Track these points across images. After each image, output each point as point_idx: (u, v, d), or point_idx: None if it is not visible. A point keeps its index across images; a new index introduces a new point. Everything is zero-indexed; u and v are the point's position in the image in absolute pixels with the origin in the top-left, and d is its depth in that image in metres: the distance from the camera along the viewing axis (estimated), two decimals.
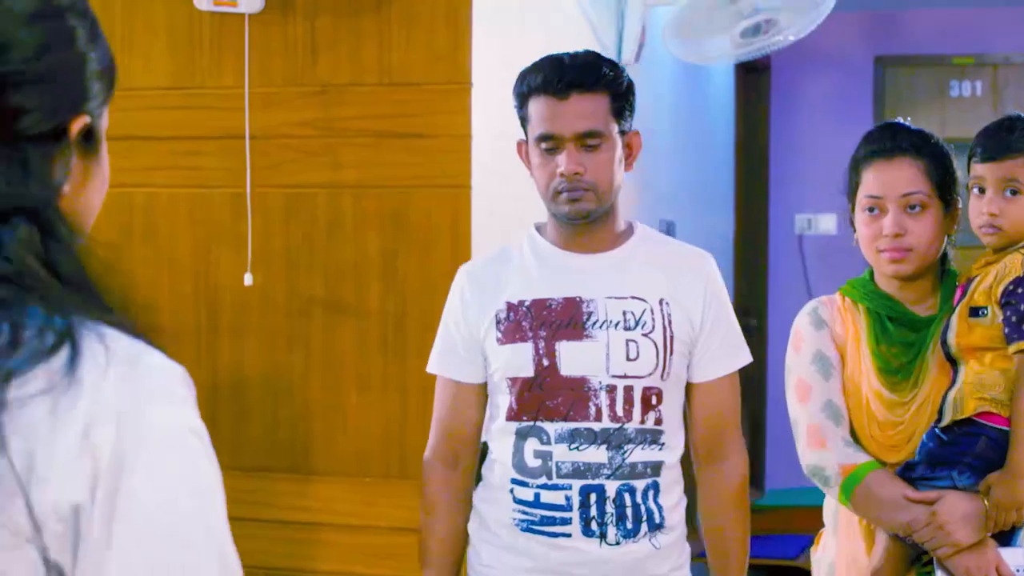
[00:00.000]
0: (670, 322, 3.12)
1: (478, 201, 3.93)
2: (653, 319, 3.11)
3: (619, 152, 3.12)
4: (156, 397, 1.31)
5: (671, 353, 3.11)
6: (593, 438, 3.07)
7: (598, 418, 3.07)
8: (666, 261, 3.20)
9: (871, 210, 3.09)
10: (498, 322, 3.15)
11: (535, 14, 4.49)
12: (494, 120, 4.01)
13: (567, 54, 3.13)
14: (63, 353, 1.27)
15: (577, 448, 3.07)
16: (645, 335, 3.10)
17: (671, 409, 3.15)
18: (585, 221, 3.12)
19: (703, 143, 7.32)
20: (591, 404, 3.08)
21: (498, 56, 4.07)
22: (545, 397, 3.09)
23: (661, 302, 3.12)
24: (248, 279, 4.05)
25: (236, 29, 4.07)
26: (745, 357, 3.25)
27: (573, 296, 3.12)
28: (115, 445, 1.27)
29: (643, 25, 5.13)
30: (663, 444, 3.12)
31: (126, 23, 4.19)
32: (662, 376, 3.11)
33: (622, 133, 3.13)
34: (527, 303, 3.13)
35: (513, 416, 3.13)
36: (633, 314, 3.10)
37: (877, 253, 3.09)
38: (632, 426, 3.08)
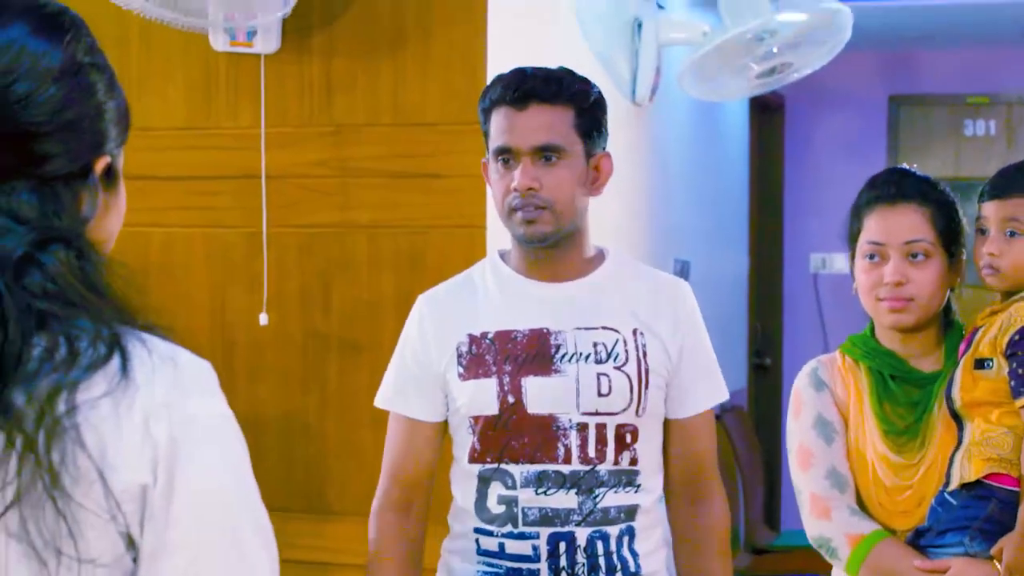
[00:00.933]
0: (645, 353, 2.88)
1: (493, 241, 3.94)
2: (626, 351, 2.87)
3: (581, 171, 2.88)
4: (194, 390, 1.57)
5: (646, 387, 2.87)
6: (562, 481, 2.83)
7: (567, 460, 2.83)
8: (640, 288, 2.97)
9: (871, 257, 2.95)
10: (459, 356, 2.91)
11: (549, 55, 4.49)
12: None
13: (532, 67, 2.96)
14: (115, 359, 1.51)
15: (544, 492, 2.83)
16: (618, 368, 2.86)
17: (648, 447, 2.91)
18: (543, 245, 2.89)
19: (717, 183, 7.32)
20: (559, 444, 2.83)
21: None
22: (510, 437, 2.85)
23: (635, 332, 2.89)
24: (263, 319, 4.06)
25: (252, 70, 4.09)
26: (723, 393, 3.03)
27: (540, 327, 2.88)
28: (168, 433, 1.52)
29: (657, 65, 5.14)
30: (639, 486, 2.89)
31: (142, 63, 4.21)
32: (637, 412, 2.87)
33: (589, 155, 2.91)
34: (490, 335, 2.89)
35: (476, 458, 2.89)
36: (605, 346, 2.87)
37: (877, 302, 2.95)
38: (604, 468, 2.84)
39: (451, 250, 3.95)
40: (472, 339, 2.91)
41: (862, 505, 2.97)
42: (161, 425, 1.51)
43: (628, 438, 2.87)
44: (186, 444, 1.53)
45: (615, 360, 2.87)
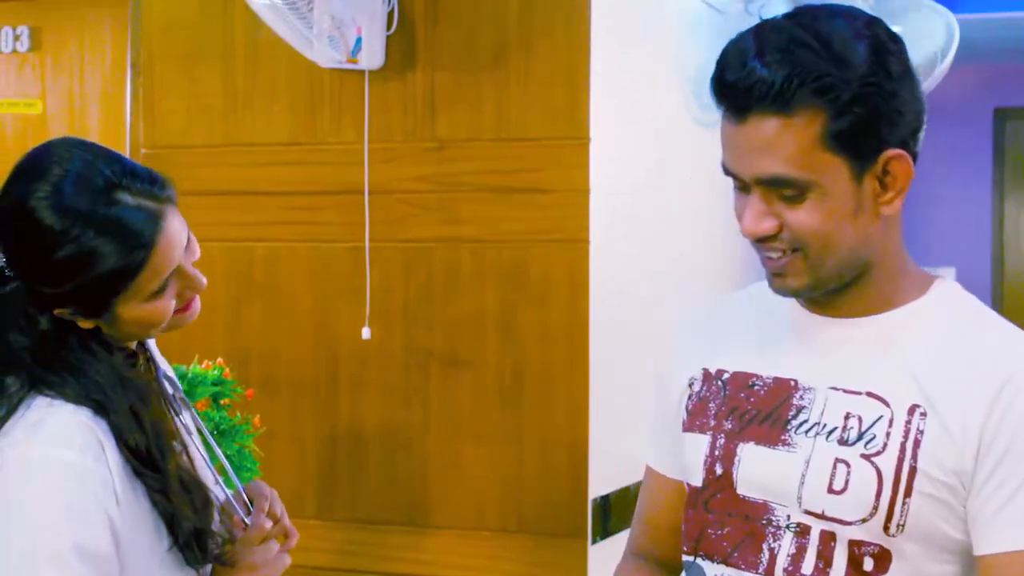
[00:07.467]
0: (917, 444, 1.89)
1: (596, 255, 3.93)
2: (888, 435, 1.90)
3: (844, 199, 1.94)
4: (37, 440, 2.02)
5: (907, 494, 1.88)
6: None
7: (769, 572, 1.97)
8: (953, 347, 1.95)
9: None
10: (689, 396, 2.13)
11: (654, 69, 4.49)
12: (612, 175, 4.01)
13: (761, 40, 1.90)
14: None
15: None
16: (866, 457, 1.91)
17: None
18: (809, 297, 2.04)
19: None
20: (764, 547, 1.98)
21: (616, 111, 4.08)
22: (708, 522, 2.05)
23: (912, 410, 1.91)
24: (366, 333, 4.07)
25: (356, 86, 4.11)
26: None
27: (787, 378, 2.02)
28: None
29: None
30: None
31: (248, 81, 4.25)
32: (887, 528, 1.90)
33: (862, 171, 1.96)
34: (727, 375, 2.08)
35: (683, 542, 2.12)
36: (859, 420, 1.93)
37: None
38: None
39: (554, 264, 3.95)
40: (706, 376, 2.13)
41: None
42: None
43: (868, 564, 1.92)
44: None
45: (866, 444, 1.92)
